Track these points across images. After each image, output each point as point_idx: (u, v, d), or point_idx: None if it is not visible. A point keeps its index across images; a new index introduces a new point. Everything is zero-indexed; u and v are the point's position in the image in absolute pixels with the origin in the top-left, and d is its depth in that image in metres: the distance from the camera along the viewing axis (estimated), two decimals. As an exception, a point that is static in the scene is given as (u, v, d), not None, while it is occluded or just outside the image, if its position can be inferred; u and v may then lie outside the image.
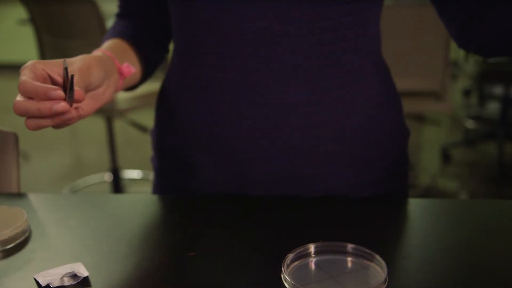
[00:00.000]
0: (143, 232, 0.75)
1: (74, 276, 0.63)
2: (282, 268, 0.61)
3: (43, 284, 0.62)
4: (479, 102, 3.74)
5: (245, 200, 0.82)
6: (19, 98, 0.63)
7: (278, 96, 0.78)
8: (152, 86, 2.09)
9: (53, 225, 0.77)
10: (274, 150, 0.81)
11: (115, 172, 2.69)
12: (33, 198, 0.85)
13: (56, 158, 3.42)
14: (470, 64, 2.84)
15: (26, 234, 0.73)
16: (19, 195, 0.86)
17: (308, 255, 0.65)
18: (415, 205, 0.82)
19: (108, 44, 0.85)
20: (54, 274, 0.63)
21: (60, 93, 0.62)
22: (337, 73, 0.79)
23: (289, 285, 0.59)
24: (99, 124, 3.26)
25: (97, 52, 0.78)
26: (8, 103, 4.37)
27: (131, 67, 0.80)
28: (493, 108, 3.59)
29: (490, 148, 3.30)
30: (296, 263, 0.64)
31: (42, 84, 0.62)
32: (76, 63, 0.69)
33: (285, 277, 0.60)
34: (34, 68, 0.65)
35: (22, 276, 0.65)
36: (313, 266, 0.64)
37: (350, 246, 0.65)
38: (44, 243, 0.72)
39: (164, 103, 0.91)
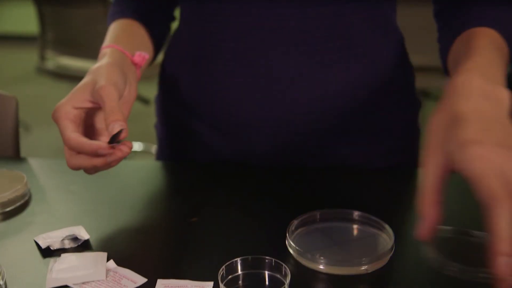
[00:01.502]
0: (145, 198, 0.74)
1: (74, 239, 0.62)
2: (287, 234, 0.60)
3: (43, 246, 0.61)
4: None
5: (249, 169, 0.81)
6: (68, 154, 0.64)
7: (281, 68, 0.76)
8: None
9: (53, 190, 0.76)
10: (277, 123, 0.79)
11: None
12: (33, 163, 0.83)
13: (57, 131, 3.40)
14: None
15: (26, 198, 0.72)
16: (19, 160, 0.85)
17: (313, 221, 0.63)
18: (423, 175, 0.81)
19: (114, 33, 0.80)
20: (55, 236, 0.62)
21: (107, 148, 0.62)
22: (343, 46, 0.76)
23: (293, 251, 0.58)
24: (100, 96, 3.24)
25: (105, 50, 0.74)
26: (9, 73, 4.28)
27: (143, 54, 0.76)
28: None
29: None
30: (301, 229, 0.62)
31: (87, 142, 0.62)
32: (100, 81, 0.66)
33: (290, 243, 0.59)
34: (67, 115, 0.64)
35: (22, 238, 0.64)
36: (318, 232, 0.63)
37: (356, 214, 0.64)
38: (44, 207, 0.71)
39: (167, 72, 0.89)
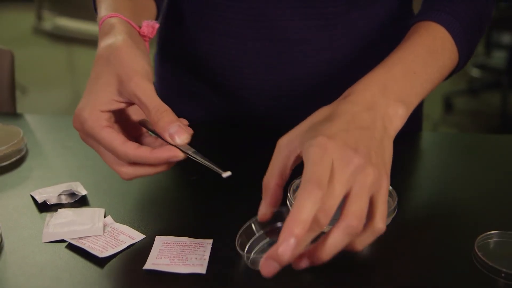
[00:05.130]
0: (143, 156, 0.72)
1: (72, 194, 0.61)
2: (288, 194, 0.59)
3: (39, 201, 0.59)
4: (485, 50, 3.67)
5: (247, 128, 0.79)
6: (118, 165, 0.53)
7: (285, 31, 0.74)
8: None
9: (50, 145, 0.74)
10: (277, 86, 0.77)
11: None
12: (30, 119, 0.82)
13: (55, 93, 3.37)
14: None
15: (23, 152, 0.71)
16: (15, 115, 0.83)
17: (315, 181, 0.62)
18: (426, 138, 0.81)
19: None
20: (51, 191, 0.61)
21: (183, 155, 0.53)
22: (350, 10, 0.74)
23: (295, 210, 0.57)
24: (98, 59, 3.19)
25: (109, 21, 0.59)
26: (5, 34, 4.18)
27: (152, 23, 0.63)
28: (499, 57, 3.52)
29: (494, 98, 3.26)
30: (302, 189, 0.61)
31: (154, 155, 0.51)
32: (126, 73, 0.52)
33: (291, 202, 0.58)
34: (101, 122, 0.51)
35: (19, 193, 0.62)
36: (320, 193, 0.61)
37: (358, 174, 0.63)
38: (41, 162, 0.70)
39: (166, 29, 0.86)
